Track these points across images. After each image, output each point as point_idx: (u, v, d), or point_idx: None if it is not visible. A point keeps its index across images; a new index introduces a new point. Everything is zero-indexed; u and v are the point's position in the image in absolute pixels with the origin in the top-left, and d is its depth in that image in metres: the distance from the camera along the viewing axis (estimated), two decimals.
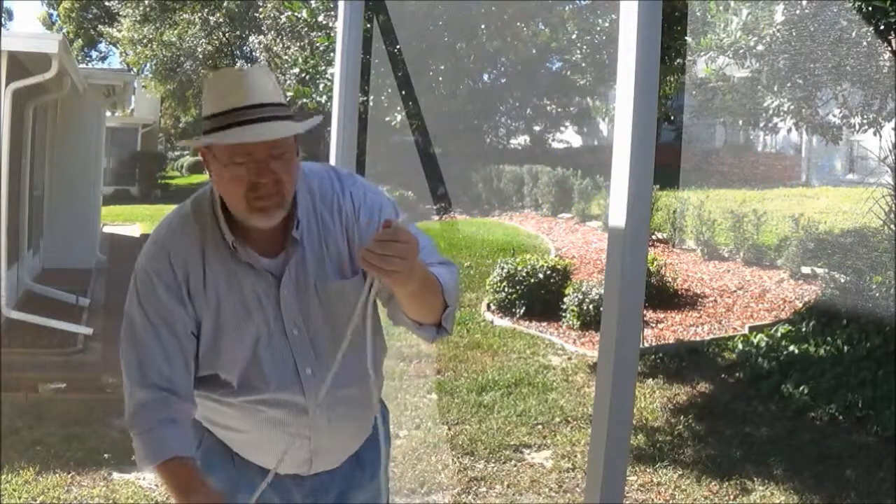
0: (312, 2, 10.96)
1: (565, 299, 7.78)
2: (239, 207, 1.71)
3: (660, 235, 10.66)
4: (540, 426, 5.47)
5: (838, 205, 11.33)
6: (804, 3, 7.18)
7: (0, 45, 6.60)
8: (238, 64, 23.02)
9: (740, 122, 8.43)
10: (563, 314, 7.76)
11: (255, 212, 1.70)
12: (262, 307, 1.78)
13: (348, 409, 1.87)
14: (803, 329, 6.99)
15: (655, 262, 8.26)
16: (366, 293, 1.71)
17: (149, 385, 1.73)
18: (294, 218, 1.77)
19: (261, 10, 18.91)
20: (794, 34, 7.13)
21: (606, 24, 15.83)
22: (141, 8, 24.74)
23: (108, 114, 13.79)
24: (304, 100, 9.92)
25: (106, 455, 4.73)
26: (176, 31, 24.74)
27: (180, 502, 1.68)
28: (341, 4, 3.47)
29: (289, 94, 9.92)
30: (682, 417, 5.66)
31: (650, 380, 6.35)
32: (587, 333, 7.42)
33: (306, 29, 12.24)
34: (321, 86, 10.40)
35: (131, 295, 1.79)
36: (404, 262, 1.56)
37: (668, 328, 7.61)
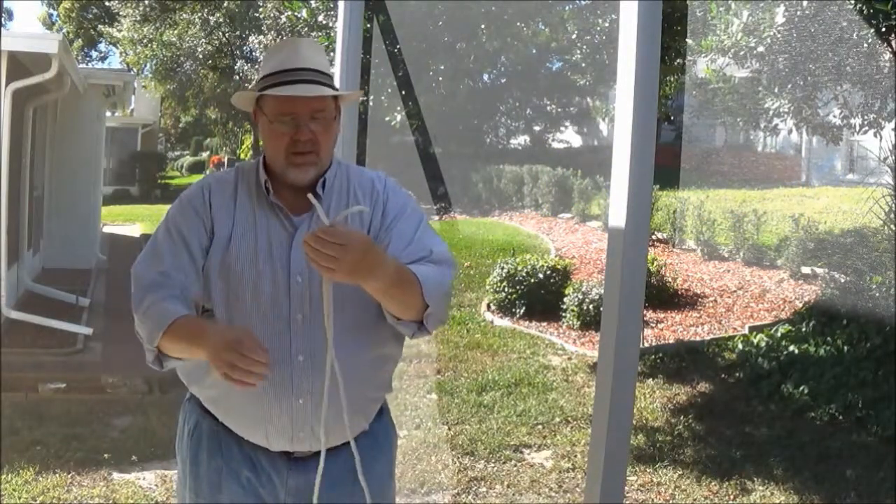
0: (312, 2, 10.96)
1: (565, 299, 7.78)
2: (279, 160, 1.91)
3: (660, 235, 10.66)
4: (540, 426, 5.47)
5: (838, 205, 11.33)
6: (805, 3, 7.18)
7: (0, 45, 6.60)
8: (238, 64, 23.04)
9: (740, 122, 8.44)
10: (563, 314, 7.76)
11: (292, 166, 1.90)
12: (272, 250, 1.90)
13: (336, 372, 1.86)
14: (803, 329, 6.99)
15: (655, 262, 8.26)
16: (328, 290, 1.81)
17: (154, 274, 1.88)
18: (324, 175, 1.95)
19: (261, 10, 18.90)
20: (794, 35, 7.13)
21: (606, 24, 15.84)
22: (141, 8, 24.73)
23: (108, 114, 13.80)
24: None
25: (106, 455, 4.73)
26: (176, 31, 24.72)
27: (199, 347, 1.75)
28: (341, 4, 3.48)
29: None
30: (682, 417, 5.66)
31: (650, 380, 6.35)
32: (587, 333, 7.42)
33: (306, 29, 12.22)
34: None
35: (162, 218, 1.99)
36: (338, 263, 1.68)
37: (668, 328, 7.61)
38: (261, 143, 2.00)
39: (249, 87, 2.01)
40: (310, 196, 1.80)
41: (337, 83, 3.45)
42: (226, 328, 1.81)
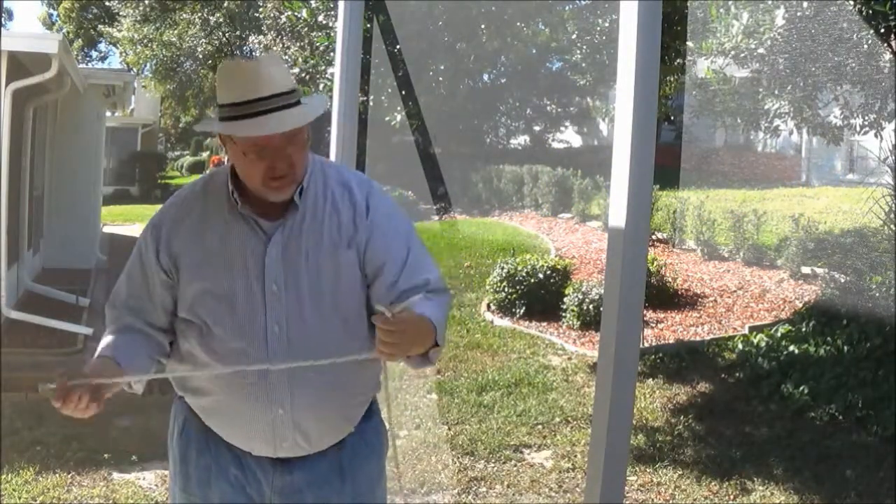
0: (312, 2, 10.97)
1: (565, 299, 7.78)
2: (255, 185, 1.86)
3: (660, 235, 10.66)
4: (540, 426, 5.47)
5: (838, 205, 11.33)
6: (805, 4, 7.18)
7: (0, 45, 6.60)
8: None
9: (739, 121, 8.43)
10: (563, 314, 7.76)
11: (271, 189, 1.85)
12: (247, 261, 1.88)
13: (311, 382, 1.86)
14: (803, 329, 6.99)
15: (655, 262, 8.26)
16: (359, 357, 1.82)
17: (111, 309, 1.99)
18: (301, 185, 1.89)
19: (261, 10, 18.90)
20: (794, 35, 7.13)
21: (606, 24, 15.83)
22: (141, 8, 24.75)
23: (108, 114, 13.78)
24: None
25: (106, 455, 4.73)
26: (176, 31, 24.74)
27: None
28: (341, 4, 3.48)
29: None
30: (682, 417, 5.66)
31: (650, 380, 6.35)
32: (587, 333, 7.42)
33: (306, 29, 12.23)
34: (321, 86, 10.44)
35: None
36: (400, 347, 1.71)
37: (668, 328, 7.61)
38: None
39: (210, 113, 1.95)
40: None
41: (337, 83, 3.47)
42: (83, 372, 1.79)
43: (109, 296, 2.03)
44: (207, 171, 2.13)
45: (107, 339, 1.92)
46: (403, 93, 15.00)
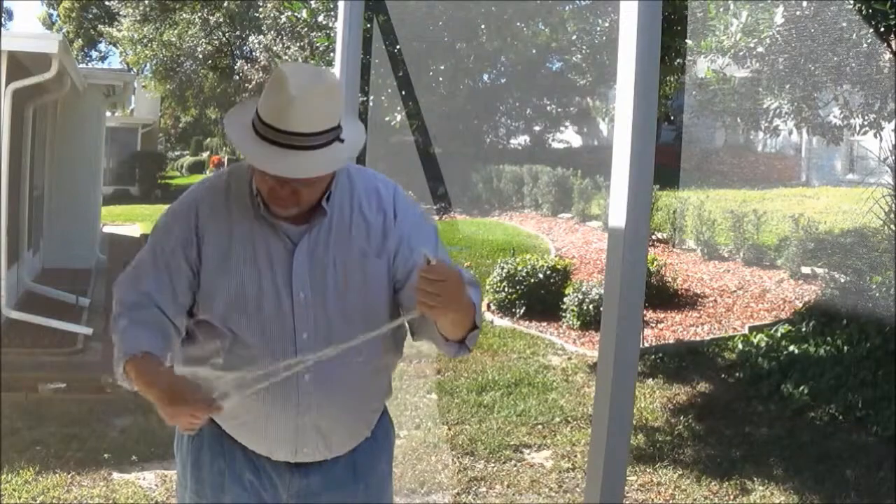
0: (312, 2, 10.96)
1: (565, 299, 7.78)
2: (263, 195, 1.84)
3: (660, 235, 10.66)
4: (540, 426, 5.47)
5: (838, 205, 11.32)
6: (804, 3, 7.18)
7: (0, 45, 6.60)
8: (238, 64, 23.04)
9: (739, 121, 8.43)
10: (563, 314, 7.76)
11: (276, 207, 1.83)
12: (273, 267, 1.84)
13: (340, 388, 1.86)
14: (803, 329, 6.99)
15: (655, 262, 8.26)
16: (397, 321, 1.82)
17: (133, 293, 1.89)
18: (328, 190, 1.86)
19: (261, 10, 18.92)
20: (794, 35, 7.12)
21: (606, 24, 15.81)
22: (141, 8, 24.76)
23: (108, 114, 13.79)
24: None
25: (106, 455, 4.73)
26: (176, 31, 24.76)
27: (149, 392, 1.75)
28: (341, 4, 3.48)
29: None
30: (682, 417, 5.66)
31: (650, 380, 6.35)
32: (587, 333, 7.42)
33: (306, 29, 12.23)
34: None
35: (152, 230, 1.98)
36: (441, 299, 1.66)
37: (668, 328, 7.61)
38: None
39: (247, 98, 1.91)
40: None
41: None
42: (173, 380, 1.75)
43: (127, 274, 1.94)
44: (224, 168, 2.06)
45: (134, 331, 1.84)
46: (403, 93, 14.99)
